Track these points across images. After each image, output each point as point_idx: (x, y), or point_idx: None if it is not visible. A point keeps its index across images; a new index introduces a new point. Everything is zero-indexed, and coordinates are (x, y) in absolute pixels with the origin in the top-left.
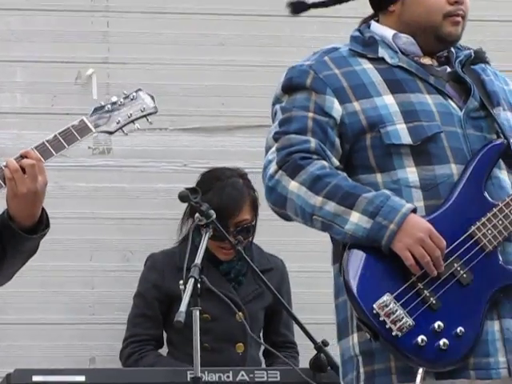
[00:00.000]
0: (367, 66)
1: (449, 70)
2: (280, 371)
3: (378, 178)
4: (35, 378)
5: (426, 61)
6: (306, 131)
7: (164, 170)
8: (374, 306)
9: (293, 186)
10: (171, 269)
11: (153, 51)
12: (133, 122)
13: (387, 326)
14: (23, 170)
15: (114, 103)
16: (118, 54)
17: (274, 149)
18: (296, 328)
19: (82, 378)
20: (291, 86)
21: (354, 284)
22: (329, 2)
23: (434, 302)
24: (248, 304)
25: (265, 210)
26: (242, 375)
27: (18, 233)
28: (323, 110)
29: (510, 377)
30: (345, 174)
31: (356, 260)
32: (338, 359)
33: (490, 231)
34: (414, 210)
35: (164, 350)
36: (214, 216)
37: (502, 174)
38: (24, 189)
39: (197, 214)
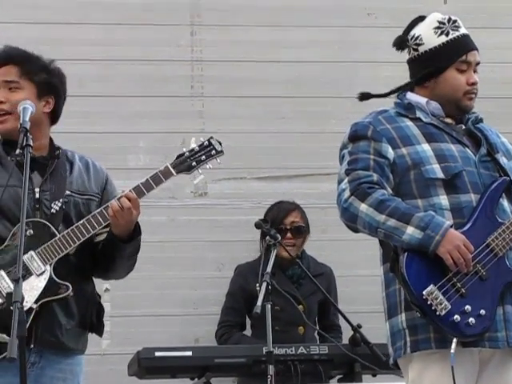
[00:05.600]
0: (409, 123)
1: (463, 127)
2: (328, 346)
3: (419, 202)
4: (157, 354)
5: (448, 120)
6: (369, 168)
7: (244, 206)
8: (424, 292)
9: (363, 207)
10: (253, 275)
11: (234, 124)
12: (206, 162)
13: (433, 308)
14: (123, 208)
15: (192, 150)
16: (210, 126)
17: (346, 181)
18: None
19: (189, 353)
20: (356, 136)
21: (408, 277)
22: (387, 94)
23: (463, 291)
24: (306, 299)
25: (323, 233)
26: (301, 349)
27: (119, 244)
28: (381, 153)
29: (508, 347)
30: (400, 199)
31: (408, 261)
32: (372, 337)
33: (500, 242)
34: (452, 226)
35: (247, 332)
36: (280, 238)
37: (504, 201)
38: (123, 221)
39: (267, 237)
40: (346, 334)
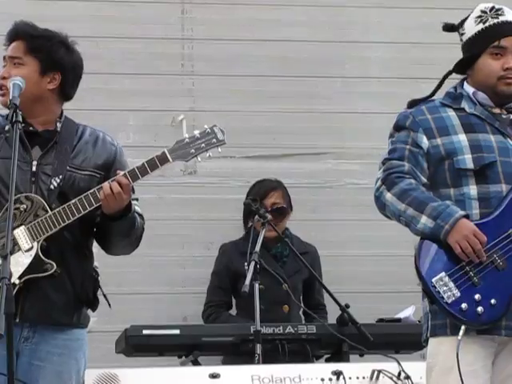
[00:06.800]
0: (451, 113)
1: (511, 117)
2: (316, 326)
3: (451, 191)
4: (145, 331)
5: (496, 110)
6: (403, 158)
7: (233, 185)
8: (433, 280)
9: (388, 196)
10: (237, 254)
11: (223, 103)
12: (206, 151)
13: (441, 295)
14: (113, 192)
15: (193, 136)
16: (200, 105)
17: (381, 170)
18: (326, 294)
19: (177, 331)
20: (398, 126)
21: (420, 264)
22: (434, 92)
23: (476, 280)
24: (290, 278)
25: (312, 213)
26: (289, 328)
27: (109, 222)
28: (416, 143)
29: None
30: (424, 189)
31: (423, 248)
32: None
33: None
34: (466, 216)
35: (232, 311)
36: (269, 217)
37: None
38: (113, 205)
39: (256, 216)
40: (334, 313)
